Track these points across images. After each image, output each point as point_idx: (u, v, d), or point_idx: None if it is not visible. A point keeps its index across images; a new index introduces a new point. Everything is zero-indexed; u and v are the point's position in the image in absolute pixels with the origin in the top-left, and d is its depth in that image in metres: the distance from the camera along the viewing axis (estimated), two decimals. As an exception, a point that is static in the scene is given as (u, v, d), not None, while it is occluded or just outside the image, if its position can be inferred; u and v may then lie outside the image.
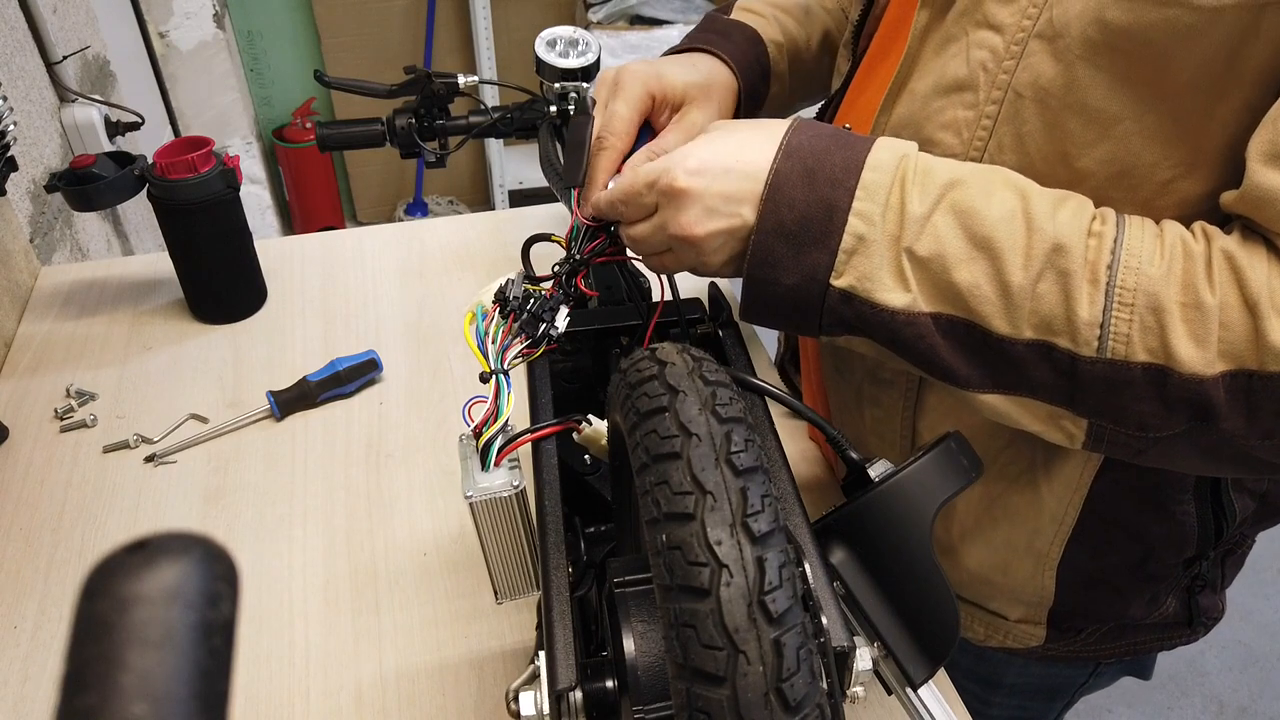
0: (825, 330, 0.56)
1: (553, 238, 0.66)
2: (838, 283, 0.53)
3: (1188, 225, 0.52)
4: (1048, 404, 0.53)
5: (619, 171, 0.68)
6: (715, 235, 0.56)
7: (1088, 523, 0.66)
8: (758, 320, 0.58)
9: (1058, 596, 0.71)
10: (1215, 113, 0.50)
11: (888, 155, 0.53)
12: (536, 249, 0.66)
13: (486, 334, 0.57)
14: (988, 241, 0.51)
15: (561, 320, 0.59)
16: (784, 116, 0.67)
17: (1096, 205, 0.53)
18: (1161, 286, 0.48)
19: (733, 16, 0.81)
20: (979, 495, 0.69)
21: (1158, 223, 0.51)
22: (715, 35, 0.78)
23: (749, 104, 0.77)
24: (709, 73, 0.74)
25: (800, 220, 0.53)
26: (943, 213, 0.52)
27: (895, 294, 0.52)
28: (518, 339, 0.58)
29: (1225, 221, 0.52)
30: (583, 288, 0.62)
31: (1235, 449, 0.50)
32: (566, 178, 0.67)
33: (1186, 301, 0.48)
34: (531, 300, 0.58)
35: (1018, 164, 0.56)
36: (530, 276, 0.62)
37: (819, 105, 0.80)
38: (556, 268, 0.62)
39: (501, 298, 0.59)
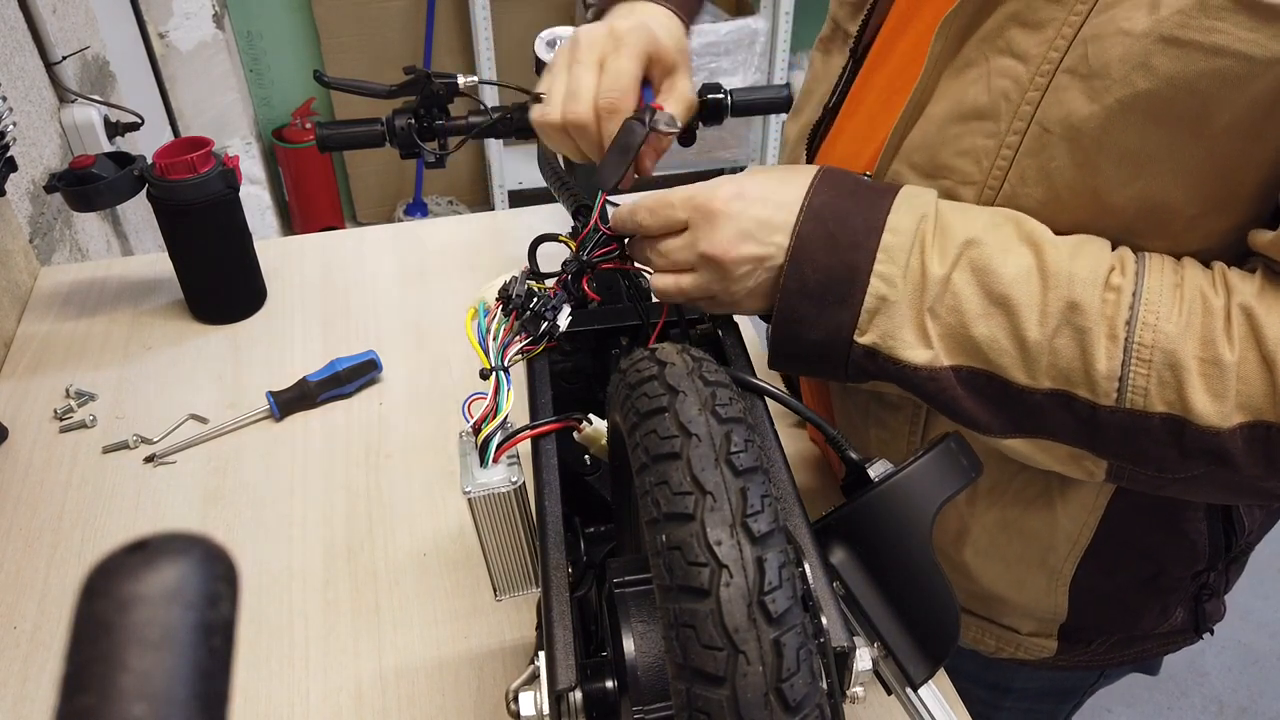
0: (851, 379, 0.57)
1: (560, 238, 0.65)
2: (861, 340, 0.54)
3: (1210, 261, 0.52)
4: (1069, 445, 0.54)
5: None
6: (745, 260, 0.56)
7: (1102, 542, 0.67)
8: (784, 368, 0.60)
9: (1070, 612, 0.72)
10: (1252, 154, 0.49)
11: (907, 219, 0.54)
12: (540, 249, 0.66)
13: (488, 331, 0.57)
14: (1005, 299, 0.51)
15: (564, 319, 0.59)
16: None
17: (1122, 239, 0.53)
18: (1179, 343, 0.49)
19: None
20: (994, 517, 0.68)
21: (1178, 262, 0.52)
22: None
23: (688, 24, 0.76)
24: (679, 33, 0.71)
25: (823, 281, 0.54)
26: (960, 271, 0.53)
27: (917, 351, 0.53)
28: (519, 336, 0.58)
29: (1247, 255, 0.52)
30: (588, 291, 0.62)
31: (1254, 487, 0.51)
32: (602, 179, 0.64)
33: (1205, 357, 0.48)
34: (535, 299, 0.58)
35: (1043, 197, 0.55)
36: (535, 274, 0.62)
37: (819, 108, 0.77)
38: (565, 265, 0.62)
39: (504, 295, 0.59)
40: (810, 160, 0.75)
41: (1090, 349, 0.50)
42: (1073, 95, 0.51)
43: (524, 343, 0.58)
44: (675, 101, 0.69)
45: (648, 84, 0.69)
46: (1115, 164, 0.52)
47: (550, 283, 0.61)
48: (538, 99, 0.69)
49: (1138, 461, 0.52)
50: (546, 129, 0.68)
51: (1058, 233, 0.54)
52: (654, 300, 0.63)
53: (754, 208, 0.56)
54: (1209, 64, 0.47)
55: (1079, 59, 0.51)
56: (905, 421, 0.68)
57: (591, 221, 0.63)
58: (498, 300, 0.59)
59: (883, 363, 0.54)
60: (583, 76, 0.65)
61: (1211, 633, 0.77)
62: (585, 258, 0.62)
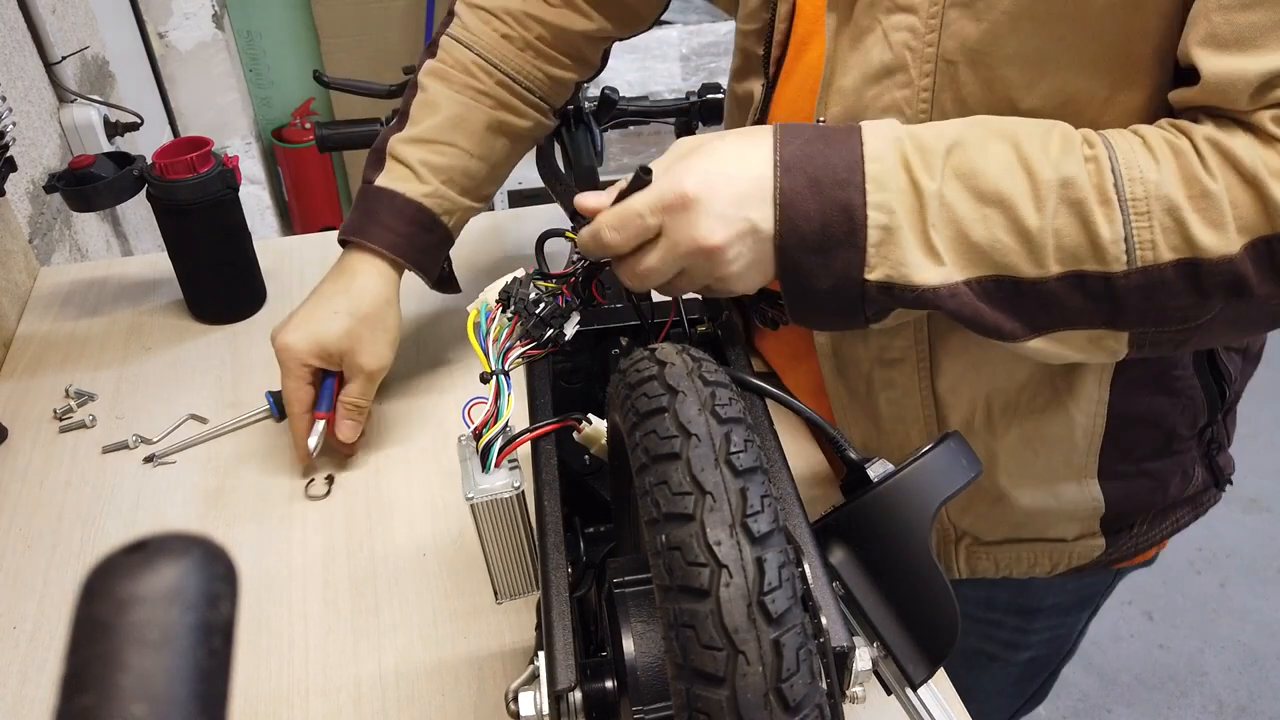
0: (872, 319, 0.57)
1: (567, 234, 0.64)
2: (872, 276, 0.54)
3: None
4: (1087, 330, 0.55)
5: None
6: (732, 242, 0.54)
7: (1113, 425, 0.70)
8: (806, 323, 0.59)
9: (1107, 502, 0.74)
10: (1137, 25, 0.53)
11: (884, 145, 0.54)
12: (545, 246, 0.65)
13: (488, 333, 0.57)
14: (997, 196, 0.53)
15: (570, 328, 0.57)
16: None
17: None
18: (1169, 188, 0.51)
19: (380, 181, 0.81)
20: (1015, 436, 0.71)
21: (1127, 129, 0.54)
22: (364, 219, 0.81)
23: (426, 256, 0.82)
24: (361, 296, 0.79)
25: (820, 229, 0.54)
26: (950, 181, 0.53)
27: (930, 271, 0.54)
28: (522, 340, 0.57)
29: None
30: (597, 295, 0.61)
31: (1265, 310, 0.53)
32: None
33: (1193, 193, 0.51)
34: (542, 304, 0.57)
35: None
36: (543, 274, 0.60)
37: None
38: (575, 260, 0.60)
39: (506, 297, 0.58)
40: None
41: (1090, 219, 0.52)
42: (963, 24, 0.56)
43: (527, 347, 0.57)
44: (354, 375, 0.80)
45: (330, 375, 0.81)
46: (1018, 71, 0.56)
47: (557, 284, 0.60)
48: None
49: (1160, 321, 0.54)
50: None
51: None
52: (654, 300, 0.63)
53: (724, 186, 0.54)
54: None
55: None
56: (912, 372, 0.69)
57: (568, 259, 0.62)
58: (498, 302, 0.58)
59: (899, 293, 0.54)
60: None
61: (1231, 483, 0.82)
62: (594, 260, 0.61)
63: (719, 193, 0.54)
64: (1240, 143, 0.50)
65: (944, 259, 0.53)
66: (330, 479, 0.83)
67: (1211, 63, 0.51)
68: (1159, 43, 0.54)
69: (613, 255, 0.57)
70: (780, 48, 0.71)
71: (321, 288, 0.81)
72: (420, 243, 0.81)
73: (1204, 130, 0.52)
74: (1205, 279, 0.51)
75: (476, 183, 0.84)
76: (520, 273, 0.59)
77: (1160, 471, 0.75)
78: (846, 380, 0.74)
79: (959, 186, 0.53)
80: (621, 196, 0.56)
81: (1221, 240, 0.50)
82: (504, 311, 0.57)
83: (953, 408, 0.71)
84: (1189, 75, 0.53)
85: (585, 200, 0.59)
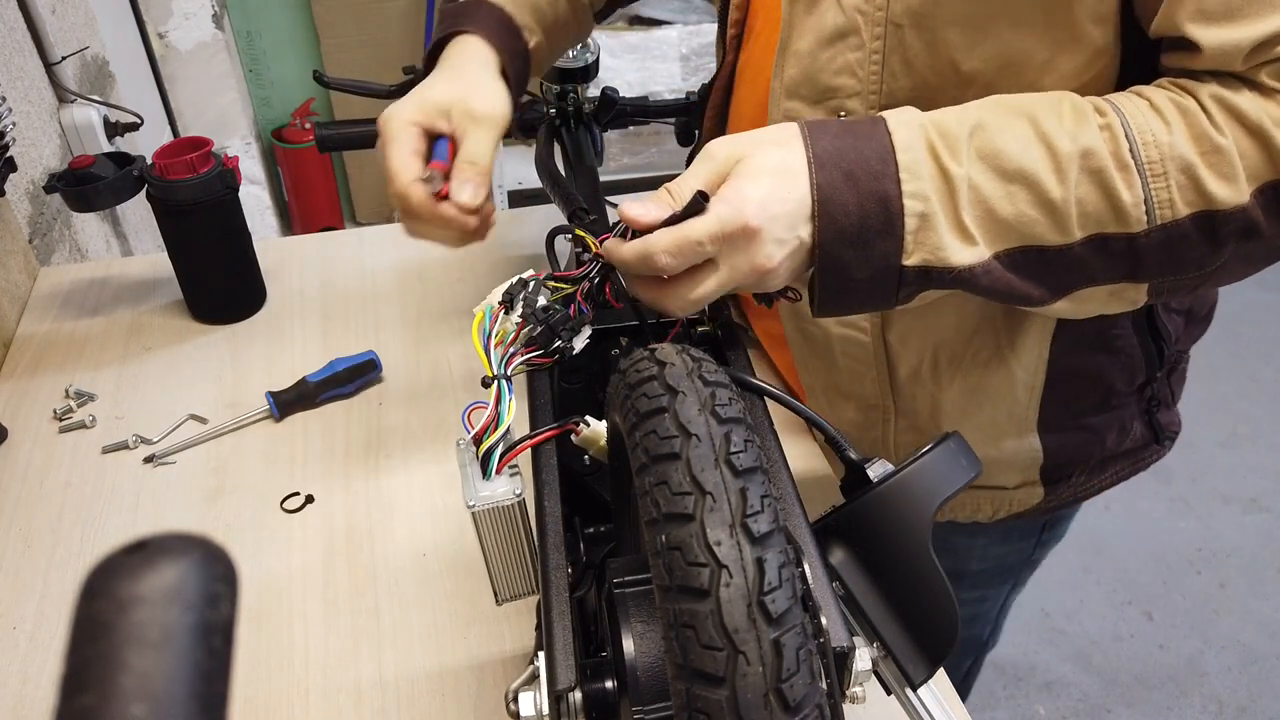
0: (901, 302, 0.59)
1: (578, 231, 0.63)
2: (910, 262, 0.55)
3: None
4: (1109, 285, 0.58)
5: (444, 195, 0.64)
6: (784, 262, 0.55)
7: (1053, 380, 0.74)
8: (831, 313, 0.60)
9: (1045, 453, 0.79)
10: None
11: (910, 133, 0.55)
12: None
13: (492, 336, 0.56)
14: (1020, 173, 0.55)
15: (580, 341, 0.56)
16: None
17: (987, 96, 0.58)
18: (1181, 148, 0.54)
19: None
20: (959, 388, 0.76)
21: (1130, 93, 0.57)
22: (454, 21, 0.75)
23: (516, 60, 0.76)
24: (467, 63, 0.71)
25: (858, 221, 0.55)
26: (975, 164, 0.55)
27: (965, 252, 0.55)
28: (527, 347, 0.55)
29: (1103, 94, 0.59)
30: (611, 299, 0.60)
31: (1272, 247, 0.56)
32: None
33: (1205, 150, 0.54)
34: (552, 312, 0.55)
35: (911, 84, 0.63)
36: (555, 276, 0.58)
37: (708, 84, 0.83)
38: (587, 256, 0.59)
39: (509, 299, 0.56)
40: (720, 126, 0.82)
41: (1111, 185, 0.54)
42: None
43: (531, 354, 0.55)
44: (474, 129, 0.67)
45: (442, 138, 0.68)
46: (959, 34, 0.59)
47: (568, 287, 0.58)
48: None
49: (1179, 269, 0.57)
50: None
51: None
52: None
53: (780, 210, 0.54)
54: None
55: None
56: (865, 321, 0.74)
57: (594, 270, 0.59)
58: (501, 304, 0.56)
59: (936, 276, 0.56)
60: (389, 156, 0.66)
61: (1171, 443, 0.86)
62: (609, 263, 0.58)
63: (778, 220, 0.54)
64: (1244, 98, 0.54)
65: (976, 238, 0.55)
66: (309, 498, 0.83)
67: (1205, 34, 0.54)
68: (1094, 6, 0.57)
69: (663, 274, 0.56)
70: (741, 10, 0.75)
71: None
72: (510, 45, 0.75)
73: (1209, 89, 0.55)
74: (1220, 228, 0.54)
75: (545, 25, 0.81)
76: (529, 274, 0.58)
77: (1098, 426, 0.79)
78: (804, 329, 0.78)
79: (984, 168, 0.55)
80: (674, 219, 0.54)
81: (1234, 191, 0.53)
82: (508, 314, 0.56)
83: (902, 357, 0.75)
84: (1178, 43, 0.56)
85: (635, 215, 0.56)
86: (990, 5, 0.58)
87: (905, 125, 0.56)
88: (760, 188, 0.54)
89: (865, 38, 0.62)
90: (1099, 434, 0.80)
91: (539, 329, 0.55)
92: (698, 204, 0.53)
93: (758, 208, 0.53)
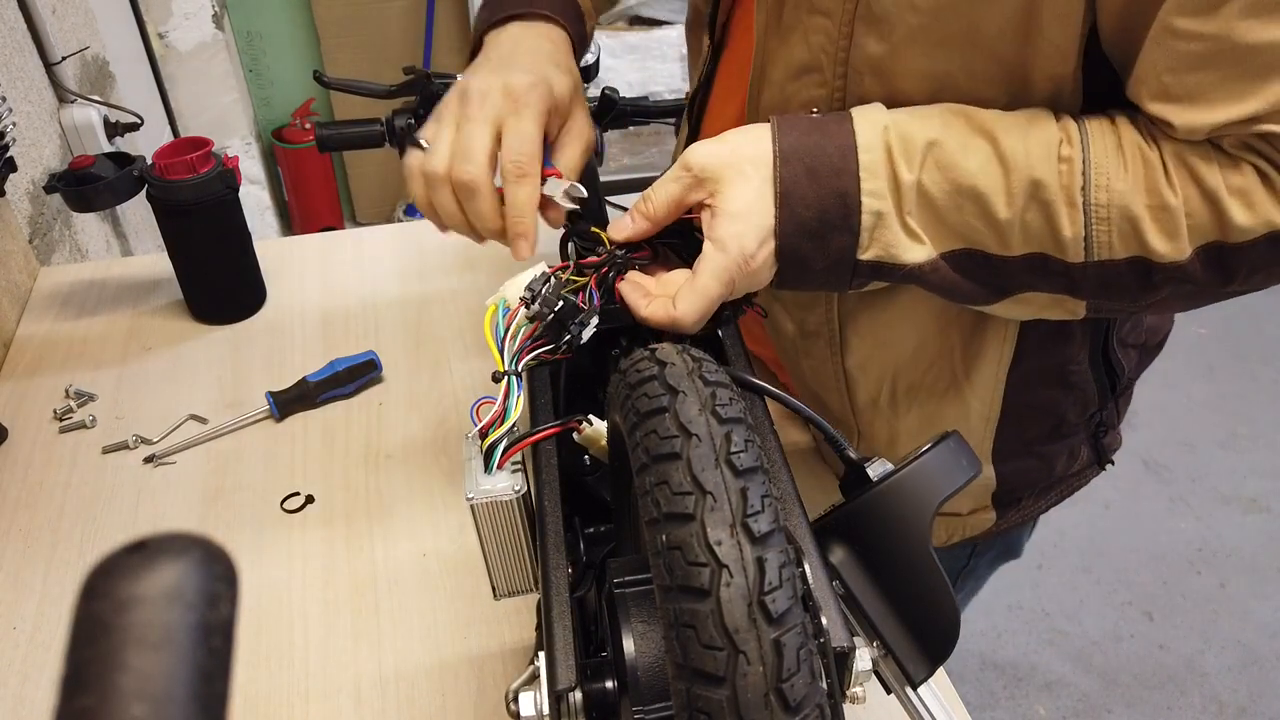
0: (854, 288, 0.62)
1: (593, 229, 0.63)
2: (864, 256, 0.58)
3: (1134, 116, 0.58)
4: (1050, 294, 0.60)
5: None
6: (765, 259, 0.59)
7: (1008, 411, 0.75)
8: (789, 289, 0.62)
9: (998, 480, 0.80)
10: (1026, 52, 0.57)
11: (873, 133, 0.58)
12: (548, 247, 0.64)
13: (507, 331, 0.55)
14: (972, 190, 0.57)
15: (588, 332, 0.57)
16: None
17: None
18: (1130, 198, 0.55)
19: None
20: (915, 417, 0.76)
21: (1113, 121, 0.57)
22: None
23: (579, 46, 0.74)
24: (567, 59, 0.69)
25: (818, 215, 0.57)
26: (928, 172, 0.57)
27: (915, 250, 0.58)
28: (536, 341, 0.56)
29: None
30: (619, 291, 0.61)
31: (1216, 294, 0.58)
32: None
33: (1153, 204, 0.55)
34: (561, 303, 0.55)
35: None
36: (576, 265, 0.60)
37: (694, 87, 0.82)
38: (600, 250, 0.61)
39: (531, 295, 0.55)
40: (695, 131, 0.82)
41: (1055, 218, 0.56)
42: (869, 40, 0.59)
43: (541, 349, 0.56)
44: (574, 142, 0.67)
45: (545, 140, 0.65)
46: (917, 83, 0.60)
47: (581, 278, 0.59)
48: (418, 144, 0.63)
49: (1113, 299, 0.59)
50: (429, 179, 0.62)
51: None
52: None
53: (767, 226, 0.58)
54: None
55: (865, 7, 0.58)
56: (825, 346, 0.75)
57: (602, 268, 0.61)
58: (521, 300, 0.56)
59: (888, 270, 0.59)
60: (475, 135, 0.61)
61: (1113, 463, 0.87)
62: (620, 255, 0.61)
63: (768, 240, 0.58)
64: (1204, 161, 0.54)
65: (923, 239, 0.58)
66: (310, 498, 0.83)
67: (1166, 112, 0.54)
68: (1052, 70, 0.57)
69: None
70: (727, 13, 0.75)
71: (483, 60, 0.67)
72: (579, 35, 0.73)
73: (1173, 145, 0.55)
74: (1155, 275, 0.56)
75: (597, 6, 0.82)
76: (542, 267, 0.58)
77: (1049, 453, 0.81)
78: (780, 340, 0.80)
79: (939, 177, 0.57)
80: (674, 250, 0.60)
81: (1174, 248, 0.55)
82: (525, 310, 0.55)
83: (861, 384, 0.76)
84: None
85: (617, 236, 0.62)
86: (949, 62, 0.58)
87: (870, 126, 0.58)
88: (749, 219, 0.58)
89: (828, 75, 0.62)
90: (1049, 460, 0.81)
91: (549, 317, 0.55)
92: (694, 239, 0.60)
93: (755, 240, 0.57)
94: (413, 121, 0.83)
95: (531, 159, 0.61)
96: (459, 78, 0.67)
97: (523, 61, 0.66)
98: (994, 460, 0.78)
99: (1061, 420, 0.78)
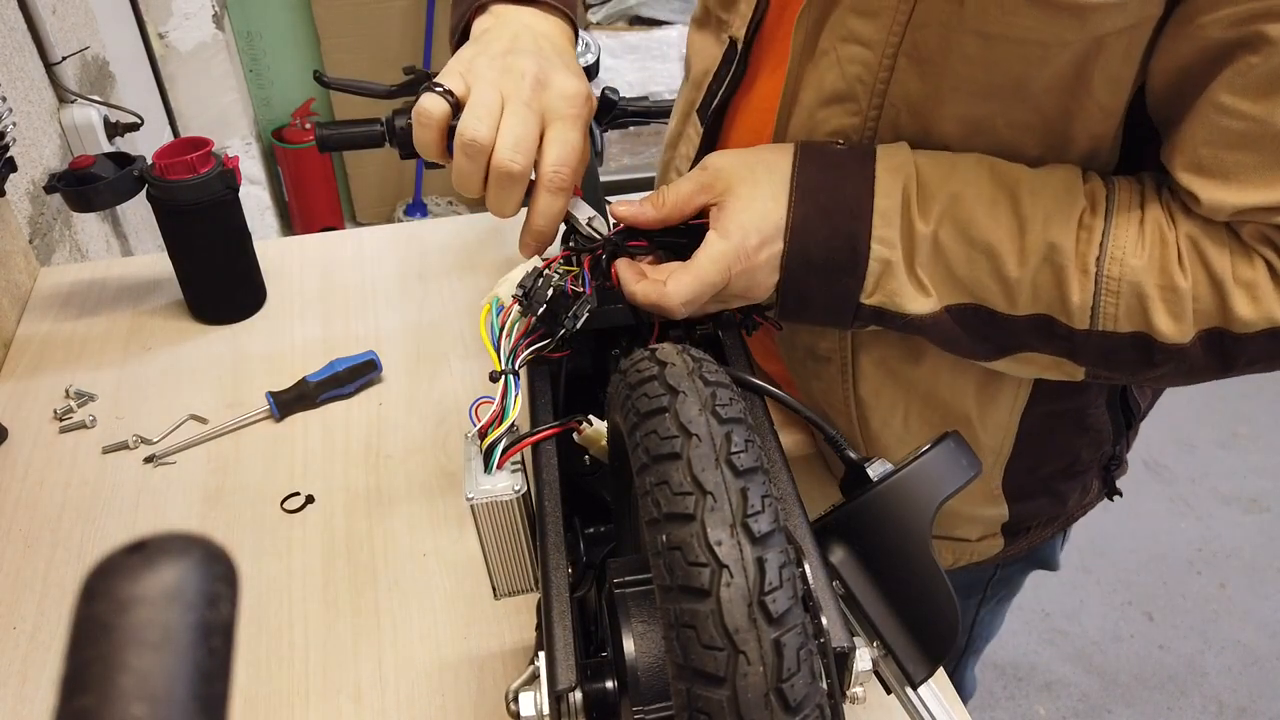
0: (854, 328, 0.62)
1: (592, 230, 0.63)
2: (868, 301, 0.59)
3: (1161, 185, 0.58)
4: (1051, 356, 0.60)
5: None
6: (767, 279, 0.60)
7: (1022, 449, 0.74)
8: (791, 322, 0.63)
9: (1010, 512, 0.80)
10: (1071, 107, 0.56)
11: (893, 181, 0.57)
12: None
13: (502, 329, 0.55)
14: (986, 246, 0.57)
15: (584, 316, 0.56)
16: None
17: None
18: (1143, 275, 0.55)
19: None
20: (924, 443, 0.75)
21: (1142, 192, 0.57)
22: None
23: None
24: (576, 60, 0.66)
25: (826, 254, 0.58)
26: (945, 226, 0.57)
27: (920, 302, 0.58)
28: (531, 335, 0.56)
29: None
30: (616, 278, 0.61)
31: (1208, 373, 0.58)
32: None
33: (1163, 285, 0.55)
34: (553, 291, 0.55)
35: None
36: (572, 249, 0.60)
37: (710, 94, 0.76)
38: (601, 243, 0.61)
39: (524, 291, 0.55)
40: (711, 142, 0.75)
41: (1065, 283, 0.56)
42: (910, 77, 0.58)
43: (537, 345, 0.56)
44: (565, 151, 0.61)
45: None
46: (955, 127, 0.59)
47: (572, 270, 0.60)
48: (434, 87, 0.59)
49: (1112, 369, 0.59)
50: (465, 146, 0.57)
51: None
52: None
53: (774, 242, 0.58)
54: (1012, 50, 0.54)
55: (912, 45, 0.57)
56: (836, 373, 0.74)
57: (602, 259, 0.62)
58: (515, 297, 0.56)
59: (889, 318, 0.59)
60: (529, 124, 0.58)
61: (1121, 494, 0.87)
62: (615, 240, 0.62)
63: (772, 241, 0.58)
64: (1217, 247, 0.55)
65: (930, 290, 0.58)
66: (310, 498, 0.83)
67: (1195, 185, 0.54)
68: (1094, 128, 0.57)
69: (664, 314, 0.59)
70: (757, 25, 0.69)
71: (506, 34, 0.63)
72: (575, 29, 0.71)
73: (1187, 228, 0.55)
74: (1156, 354, 0.57)
75: None
76: (536, 262, 0.58)
77: (1062, 489, 0.81)
78: (791, 360, 0.79)
79: (953, 231, 0.57)
80: (671, 233, 0.60)
81: (1178, 330, 0.55)
82: (519, 307, 0.55)
83: (874, 410, 0.74)
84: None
85: (626, 214, 0.62)
86: (990, 109, 0.57)
87: (892, 172, 0.58)
88: (755, 227, 0.58)
89: (863, 105, 0.60)
90: (1061, 495, 0.82)
91: (542, 309, 0.55)
92: (698, 230, 0.59)
93: (758, 242, 0.58)
94: (413, 122, 0.82)
95: (574, 174, 0.59)
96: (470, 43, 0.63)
97: (560, 59, 0.62)
98: (1007, 498, 0.78)
99: (1076, 459, 0.79)
